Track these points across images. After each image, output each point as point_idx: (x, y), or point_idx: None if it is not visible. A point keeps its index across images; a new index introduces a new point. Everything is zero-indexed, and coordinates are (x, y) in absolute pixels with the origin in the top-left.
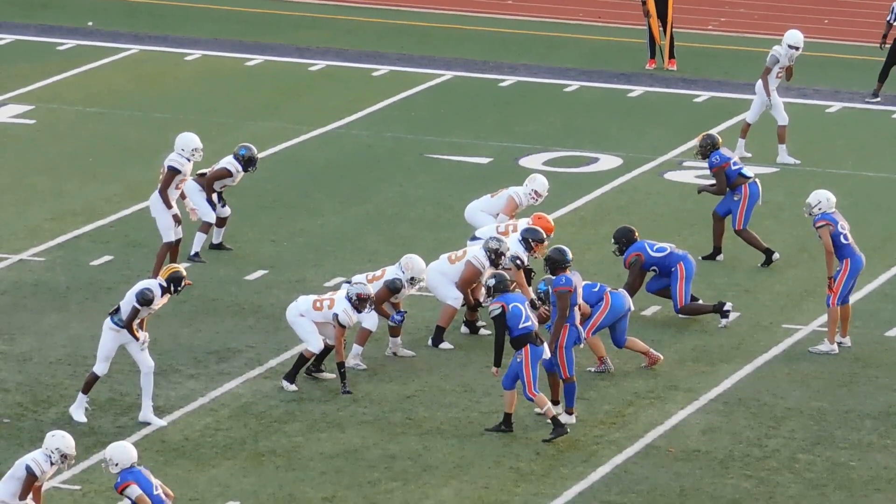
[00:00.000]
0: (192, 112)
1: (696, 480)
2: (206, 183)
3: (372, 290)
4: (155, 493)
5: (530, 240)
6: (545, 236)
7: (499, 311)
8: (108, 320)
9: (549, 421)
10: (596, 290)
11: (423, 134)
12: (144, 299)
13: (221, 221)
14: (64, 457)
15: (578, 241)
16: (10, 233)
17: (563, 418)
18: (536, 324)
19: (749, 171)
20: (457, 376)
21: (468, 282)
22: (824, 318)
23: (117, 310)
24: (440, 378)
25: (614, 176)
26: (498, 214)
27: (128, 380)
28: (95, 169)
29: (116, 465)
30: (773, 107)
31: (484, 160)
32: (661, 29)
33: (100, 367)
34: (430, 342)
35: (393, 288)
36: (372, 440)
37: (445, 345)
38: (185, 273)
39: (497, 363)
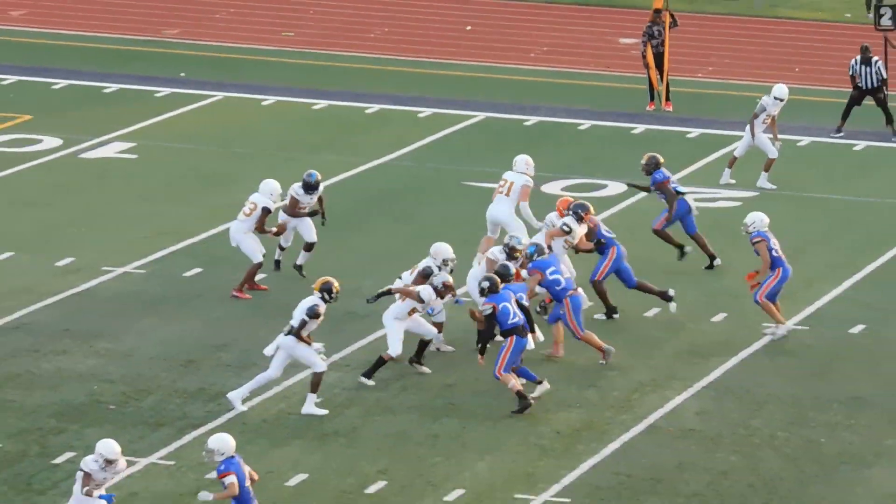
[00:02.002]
0: (267, 148)
1: (691, 455)
2: (290, 213)
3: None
4: (245, 485)
5: (580, 211)
6: (590, 207)
7: (489, 311)
8: (281, 336)
9: (514, 395)
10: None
11: (461, 165)
12: (314, 313)
13: (308, 246)
14: (108, 462)
15: (592, 253)
16: (114, 249)
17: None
18: (523, 318)
19: (683, 188)
20: (489, 368)
21: None
22: (798, 317)
23: (291, 328)
24: (475, 369)
25: (621, 200)
26: (518, 204)
27: (214, 372)
28: (186, 195)
29: (222, 454)
30: (760, 145)
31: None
32: (658, 76)
33: (273, 371)
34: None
35: (426, 274)
36: (419, 422)
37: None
38: (333, 280)
39: (481, 353)
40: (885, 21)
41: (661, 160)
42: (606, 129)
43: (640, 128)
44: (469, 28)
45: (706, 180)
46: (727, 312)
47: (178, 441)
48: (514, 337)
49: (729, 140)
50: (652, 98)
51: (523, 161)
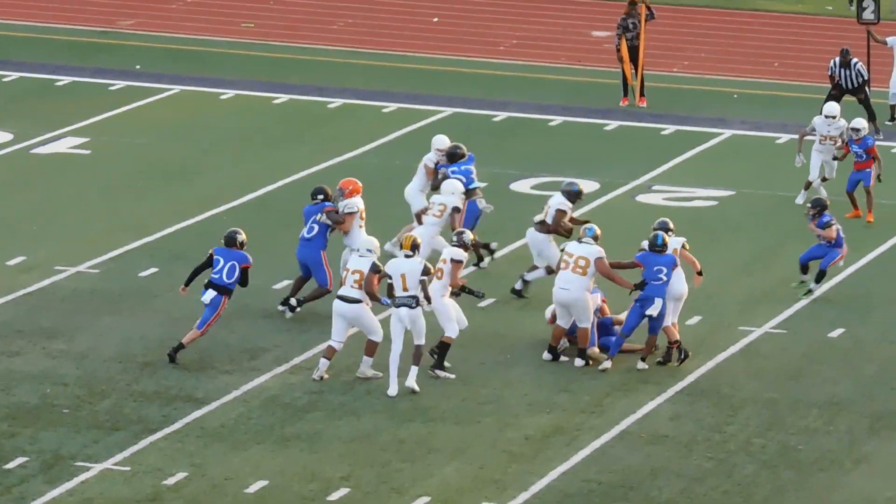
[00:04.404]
0: (227, 143)
1: (664, 461)
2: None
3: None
4: None
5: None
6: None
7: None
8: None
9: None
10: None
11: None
12: (427, 271)
13: None
14: None
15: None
16: (68, 248)
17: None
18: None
19: (476, 185)
20: (457, 370)
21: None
22: (776, 320)
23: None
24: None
25: (593, 198)
26: (426, 188)
27: (171, 374)
28: (143, 191)
29: None
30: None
31: (481, 185)
32: (633, 71)
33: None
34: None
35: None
36: (384, 426)
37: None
38: (417, 237)
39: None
40: (868, 15)
41: (464, 149)
42: (578, 126)
43: (613, 124)
44: (436, 20)
45: (681, 179)
46: (702, 315)
47: (135, 446)
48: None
49: (705, 137)
50: (626, 93)
51: (440, 141)
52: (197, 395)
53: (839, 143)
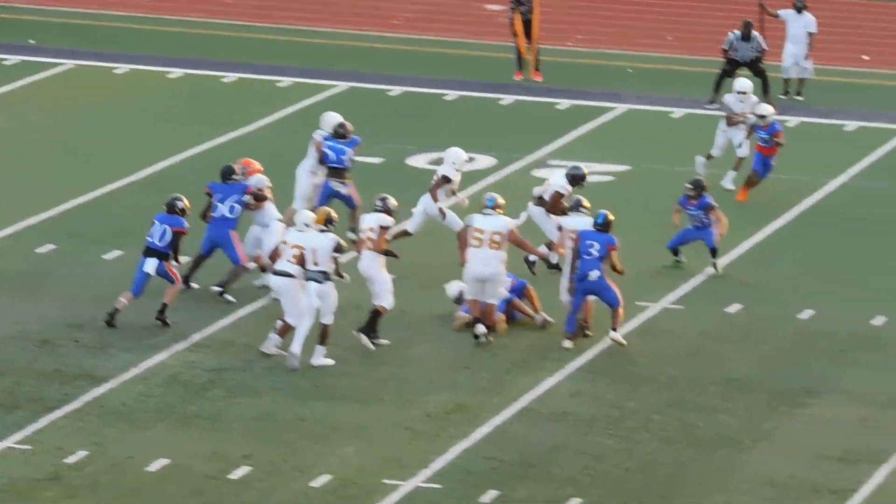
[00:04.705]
0: (122, 119)
1: (564, 438)
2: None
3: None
4: None
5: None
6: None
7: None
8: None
9: None
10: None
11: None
12: (340, 248)
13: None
14: None
15: None
16: None
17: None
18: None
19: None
20: (357, 349)
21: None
22: (672, 296)
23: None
24: (343, 350)
25: (490, 173)
26: (317, 169)
27: (71, 352)
28: (38, 168)
29: None
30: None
31: (377, 160)
32: (527, 45)
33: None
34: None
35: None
36: (285, 404)
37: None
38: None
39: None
40: None
41: (349, 126)
42: (473, 100)
43: (508, 99)
44: None
45: (577, 153)
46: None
47: (34, 424)
48: None
49: (600, 111)
50: (520, 68)
51: (330, 120)
52: (97, 373)
53: (752, 120)
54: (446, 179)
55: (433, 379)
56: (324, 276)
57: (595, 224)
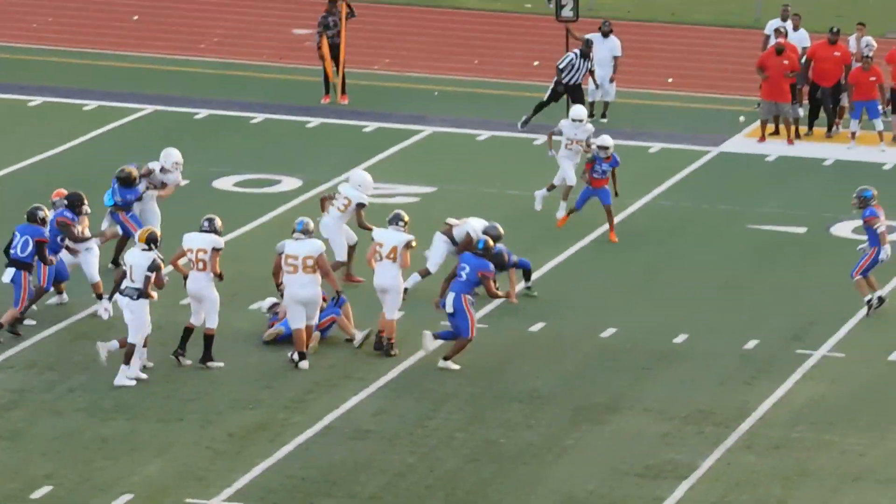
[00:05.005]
0: None
1: (368, 456)
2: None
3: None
4: None
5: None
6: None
7: None
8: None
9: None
10: None
11: (130, 161)
12: (157, 266)
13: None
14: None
15: (266, 252)
16: None
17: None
18: None
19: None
20: (159, 367)
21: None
22: (477, 315)
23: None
24: (144, 370)
25: (296, 195)
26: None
27: None
28: None
29: None
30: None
31: (182, 182)
32: (334, 69)
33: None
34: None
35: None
36: (87, 424)
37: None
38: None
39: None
40: (566, 12)
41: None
42: (280, 123)
43: (314, 121)
44: (136, 18)
45: (383, 175)
46: (404, 311)
47: None
48: None
49: (406, 134)
50: (327, 91)
51: (168, 156)
52: None
53: (586, 147)
54: (361, 206)
55: (236, 398)
56: (136, 293)
57: (476, 249)
